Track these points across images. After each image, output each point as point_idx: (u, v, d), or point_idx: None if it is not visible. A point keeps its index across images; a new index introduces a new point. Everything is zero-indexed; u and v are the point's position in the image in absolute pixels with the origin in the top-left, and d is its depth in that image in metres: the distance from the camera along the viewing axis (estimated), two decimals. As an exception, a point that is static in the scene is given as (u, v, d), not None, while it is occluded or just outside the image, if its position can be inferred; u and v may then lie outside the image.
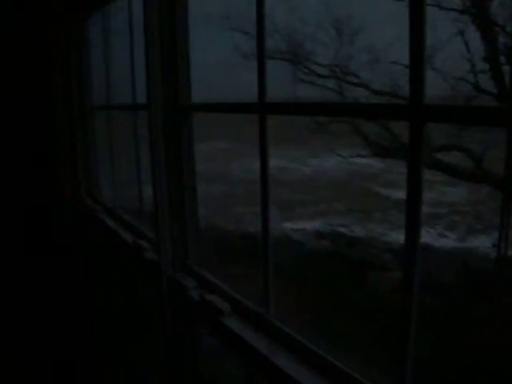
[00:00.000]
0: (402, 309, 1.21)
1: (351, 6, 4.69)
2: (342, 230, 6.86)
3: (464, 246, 5.78)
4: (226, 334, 1.92)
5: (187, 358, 2.37)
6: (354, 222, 6.96)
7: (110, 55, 3.48)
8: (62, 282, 3.96)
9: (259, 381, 1.96)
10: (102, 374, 3.86)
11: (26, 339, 3.80)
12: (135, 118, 3.02)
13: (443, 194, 6.37)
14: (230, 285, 2.12)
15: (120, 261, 3.30)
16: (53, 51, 3.74)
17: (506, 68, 3.94)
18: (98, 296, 3.93)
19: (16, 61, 3.71)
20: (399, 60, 3.63)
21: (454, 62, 3.95)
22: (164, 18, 2.20)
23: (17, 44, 3.71)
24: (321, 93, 5.14)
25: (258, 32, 1.70)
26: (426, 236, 5.73)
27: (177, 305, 2.32)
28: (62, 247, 3.96)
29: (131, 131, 3.06)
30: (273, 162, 1.77)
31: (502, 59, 3.92)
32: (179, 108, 2.27)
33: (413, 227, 1.17)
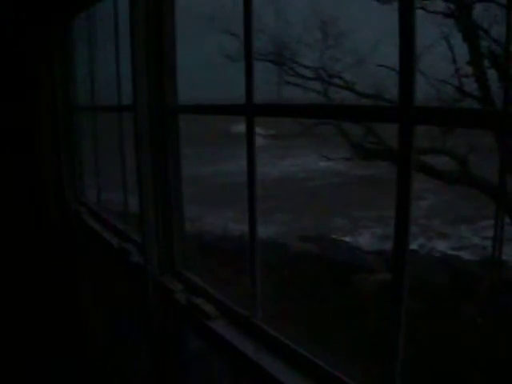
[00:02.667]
0: (391, 311, 1.20)
1: (337, 9, 4.71)
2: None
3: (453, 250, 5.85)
4: (213, 338, 1.91)
5: (173, 361, 2.35)
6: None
7: (96, 56, 3.45)
8: (49, 285, 3.92)
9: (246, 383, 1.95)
10: (89, 376, 3.82)
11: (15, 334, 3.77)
12: (120, 119, 2.99)
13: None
14: (216, 288, 2.11)
15: (105, 264, 3.26)
16: (37, 52, 3.69)
17: (489, 71, 3.98)
18: (84, 299, 3.89)
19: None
20: (385, 62, 3.65)
21: (439, 65, 3.98)
22: (150, 19, 2.19)
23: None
24: (306, 95, 5.14)
25: (246, 34, 1.69)
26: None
27: (163, 308, 2.30)
28: (48, 249, 3.91)
29: (117, 132, 3.03)
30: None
31: (487, 62, 3.96)
32: (165, 109, 2.25)
33: (402, 230, 1.16)
